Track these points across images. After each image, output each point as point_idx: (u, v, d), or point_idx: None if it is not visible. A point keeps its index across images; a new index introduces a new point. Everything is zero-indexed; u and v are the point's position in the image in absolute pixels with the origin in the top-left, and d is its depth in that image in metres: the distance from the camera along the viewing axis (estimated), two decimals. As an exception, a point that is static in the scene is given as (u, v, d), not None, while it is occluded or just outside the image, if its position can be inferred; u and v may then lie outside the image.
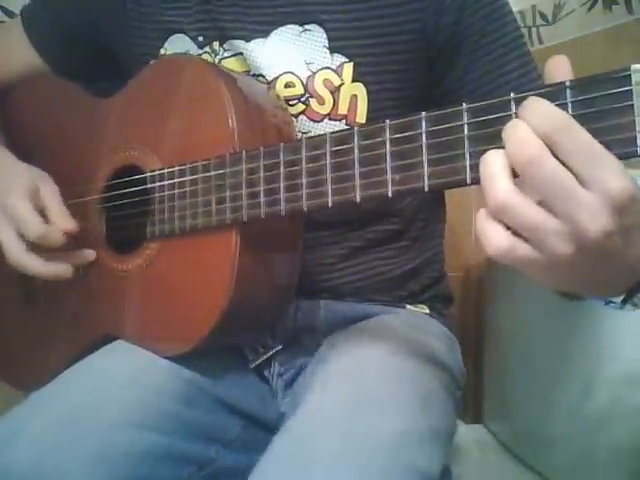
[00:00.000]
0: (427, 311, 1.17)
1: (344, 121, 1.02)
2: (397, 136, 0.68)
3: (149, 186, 0.99)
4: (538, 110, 0.56)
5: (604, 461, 1.10)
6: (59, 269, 1.04)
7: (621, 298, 0.69)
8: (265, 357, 1.08)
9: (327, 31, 1.01)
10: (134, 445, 0.86)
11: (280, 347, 1.09)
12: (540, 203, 0.56)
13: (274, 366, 1.10)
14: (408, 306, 1.16)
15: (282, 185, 0.80)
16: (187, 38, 1.09)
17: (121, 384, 0.92)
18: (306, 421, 0.84)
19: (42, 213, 1.04)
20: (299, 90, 1.02)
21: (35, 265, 1.02)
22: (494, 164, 0.57)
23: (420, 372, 0.96)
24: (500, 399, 1.44)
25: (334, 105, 1.01)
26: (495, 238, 0.58)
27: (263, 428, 1.03)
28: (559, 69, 0.59)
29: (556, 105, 0.56)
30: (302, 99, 1.02)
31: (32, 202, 1.03)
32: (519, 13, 1.69)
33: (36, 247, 1.03)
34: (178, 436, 0.91)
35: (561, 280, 0.63)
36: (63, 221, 1.04)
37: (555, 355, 1.20)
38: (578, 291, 0.71)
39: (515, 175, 0.57)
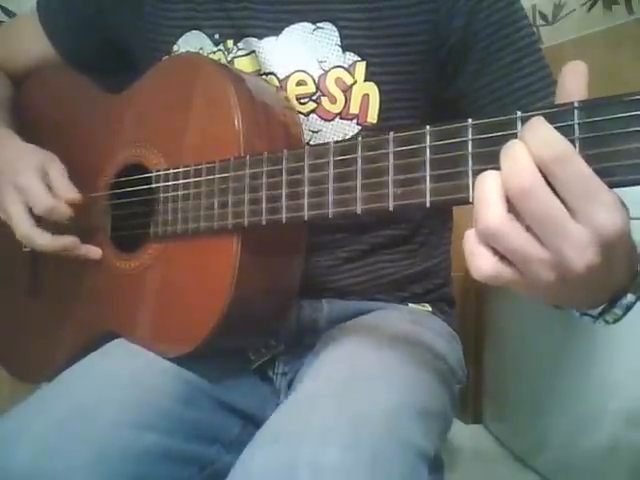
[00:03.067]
0: (429, 309, 1.18)
1: (355, 120, 1.02)
2: (401, 149, 0.67)
3: (154, 186, 0.99)
4: (539, 135, 0.54)
5: (604, 461, 1.10)
6: (66, 241, 1.05)
7: (597, 312, 0.70)
8: (267, 357, 1.08)
9: (340, 29, 1.01)
10: (134, 445, 0.86)
11: (282, 347, 1.09)
12: (529, 228, 0.56)
13: (278, 366, 1.11)
14: (410, 304, 1.16)
15: (284, 192, 0.80)
16: (203, 35, 1.09)
17: (121, 384, 0.93)
18: (298, 399, 0.85)
19: (50, 189, 1.05)
20: (311, 88, 1.02)
21: (43, 238, 1.04)
22: (489, 189, 0.57)
23: (415, 359, 0.97)
24: (500, 399, 1.44)
25: (346, 104, 1.01)
26: (483, 265, 0.59)
27: (263, 428, 1.04)
28: (576, 78, 0.57)
29: (563, 127, 0.55)
30: (314, 97, 1.02)
31: (41, 178, 1.05)
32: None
33: (45, 225, 1.05)
34: (178, 436, 0.92)
35: (539, 297, 0.64)
36: (68, 193, 1.05)
37: (555, 355, 1.20)
38: (555, 305, 0.73)
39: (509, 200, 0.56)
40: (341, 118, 1.02)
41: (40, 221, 1.05)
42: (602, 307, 0.69)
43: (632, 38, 1.51)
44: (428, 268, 1.17)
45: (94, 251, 1.08)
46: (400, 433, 0.79)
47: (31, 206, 1.04)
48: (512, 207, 0.56)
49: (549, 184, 0.54)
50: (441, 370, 1.01)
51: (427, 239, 1.16)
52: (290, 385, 1.09)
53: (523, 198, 0.55)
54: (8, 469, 0.81)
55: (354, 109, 1.01)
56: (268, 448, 0.76)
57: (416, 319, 1.11)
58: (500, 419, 1.44)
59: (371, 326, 1.05)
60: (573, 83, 0.57)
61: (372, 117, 1.02)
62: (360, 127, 1.02)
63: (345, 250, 1.09)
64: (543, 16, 1.67)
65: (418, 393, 0.90)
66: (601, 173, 0.53)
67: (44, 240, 1.04)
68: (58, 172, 1.07)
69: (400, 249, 1.13)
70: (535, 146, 0.54)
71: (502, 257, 0.58)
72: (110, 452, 0.84)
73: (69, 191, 1.06)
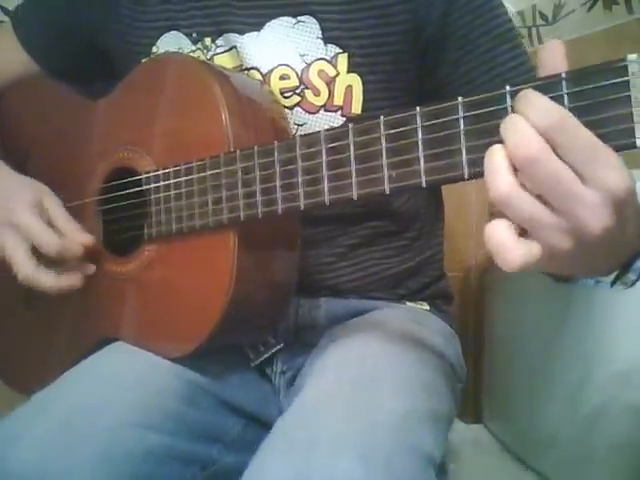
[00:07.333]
0: (427, 307, 1.18)
1: (340, 112, 1.02)
2: (392, 132, 0.68)
3: (145, 188, 0.99)
4: (535, 105, 0.55)
5: (603, 460, 1.10)
6: (70, 280, 1.03)
7: (611, 279, 0.71)
8: (266, 356, 1.08)
9: (321, 22, 1.01)
10: (137, 445, 0.86)
11: (281, 345, 1.09)
12: (539, 197, 0.56)
13: (276, 364, 1.11)
14: (408, 303, 1.16)
15: (278, 184, 0.80)
16: (181, 35, 1.09)
17: (123, 385, 0.92)
18: (306, 405, 0.84)
19: (50, 226, 1.03)
20: (294, 82, 1.02)
21: (47, 280, 1.01)
22: (498, 160, 0.57)
23: (418, 359, 0.97)
24: (500, 399, 1.44)
25: (329, 96, 1.02)
26: (513, 257, 0.58)
27: (265, 427, 1.01)
28: (553, 54, 0.58)
29: (552, 97, 0.56)
30: (297, 91, 1.02)
31: (39, 215, 1.02)
32: (519, 13, 1.69)
33: (46, 263, 1.02)
34: (181, 436, 0.91)
35: (555, 266, 0.63)
36: (80, 235, 1.03)
37: (554, 355, 1.20)
38: (570, 274, 0.73)
39: (516, 169, 0.56)
40: (325, 110, 1.02)
41: (40, 257, 1.02)
42: (616, 273, 0.70)
43: (632, 38, 1.51)
44: (422, 261, 1.17)
45: (88, 268, 1.06)
46: (411, 440, 0.79)
47: (37, 246, 1.01)
48: (521, 177, 0.57)
49: (554, 151, 0.55)
50: (444, 369, 1.01)
51: (420, 233, 1.17)
52: (289, 384, 1.09)
53: (533, 167, 0.55)
54: (11, 471, 0.80)
55: (338, 101, 1.02)
56: (279, 459, 0.75)
57: (415, 317, 1.11)
58: (500, 418, 1.44)
59: (372, 326, 1.04)
60: (552, 60, 0.58)
61: (356, 108, 1.02)
62: (345, 118, 1.02)
63: (334, 245, 1.10)
64: (543, 16, 1.67)
65: (425, 395, 0.90)
66: None
67: (48, 282, 1.01)
68: (56, 206, 1.05)
69: (392, 245, 1.13)
70: (533, 117, 0.55)
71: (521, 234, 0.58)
72: (113, 453, 0.83)
73: (79, 230, 1.04)
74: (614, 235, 0.56)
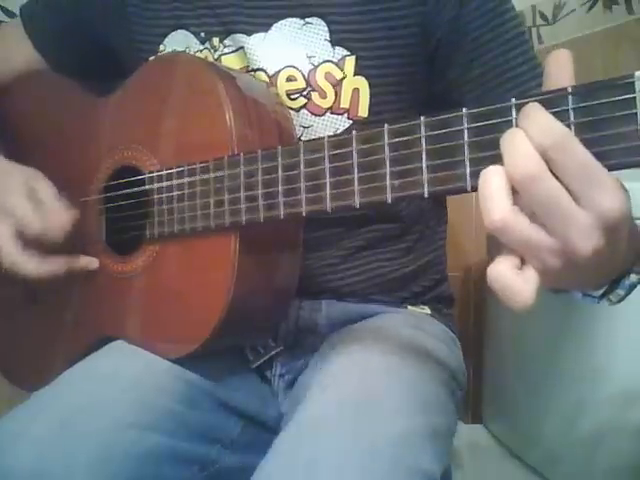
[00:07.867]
0: (428, 312, 1.17)
1: (346, 115, 1.02)
2: (396, 140, 0.67)
3: (148, 187, 0.98)
4: (537, 122, 0.55)
5: (604, 460, 1.10)
6: (52, 267, 1.03)
7: (599, 293, 0.71)
8: (266, 358, 1.08)
9: (328, 24, 1.01)
10: (136, 446, 0.85)
11: (281, 348, 1.09)
12: (533, 215, 0.56)
13: (275, 367, 1.11)
14: (409, 307, 1.16)
15: (280, 189, 0.79)
16: (189, 34, 1.09)
17: (122, 385, 0.92)
18: (307, 422, 0.84)
19: (40, 209, 1.02)
20: (301, 84, 1.02)
21: (29, 265, 1.01)
22: (492, 184, 0.57)
23: (420, 372, 0.96)
24: (500, 399, 1.44)
25: (336, 98, 1.01)
26: (528, 296, 0.58)
27: (263, 428, 1.03)
28: (560, 66, 0.58)
29: (558, 112, 0.55)
30: (304, 93, 1.02)
31: (28, 197, 1.02)
32: (519, 13, 1.69)
33: (33, 248, 1.02)
34: (180, 437, 0.91)
35: (547, 283, 0.62)
36: (59, 216, 1.02)
37: (554, 355, 1.21)
38: (559, 287, 0.72)
39: (514, 190, 0.56)
40: (332, 113, 1.02)
41: (30, 244, 1.02)
42: (604, 288, 0.70)
43: (632, 38, 1.51)
44: (425, 264, 1.17)
45: (92, 262, 1.06)
46: (410, 460, 0.79)
47: (21, 227, 1.01)
48: (516, 199, 0.56)
49: (550, 170, 0.54)
50: (445, 379, 1.01)
51: (422, 236, 1.16)
52: (288, 386, 1.09)
53: (530, 185, 0.55)
54: (10, 470, 0.80)
55: (344, 103, 1.01)
56: (281, 478, 0.75)
57: (417, 323, 1.10)
58: (500, 419, 1.44)
59: (373, 334, 1.04)
60: (558, 72, 0.58)
61: (363, 111, 1.01)
62: (351, 121, 1.02)
63: (337, 248, 1.09)
64: (543, 16, 1.67)
65: (425, 412, 0.89)
66: (597, 157, 0.53)
67: (29, 267, 1.01)
68: (46, 190, 1.04)
69: (395, 247, 1.13)
70: (534, 134, 0.54)
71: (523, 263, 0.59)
72: (112, 453, 0.83)
73: (60, 212, 1.03)
74: (605, 255, 0.57)
